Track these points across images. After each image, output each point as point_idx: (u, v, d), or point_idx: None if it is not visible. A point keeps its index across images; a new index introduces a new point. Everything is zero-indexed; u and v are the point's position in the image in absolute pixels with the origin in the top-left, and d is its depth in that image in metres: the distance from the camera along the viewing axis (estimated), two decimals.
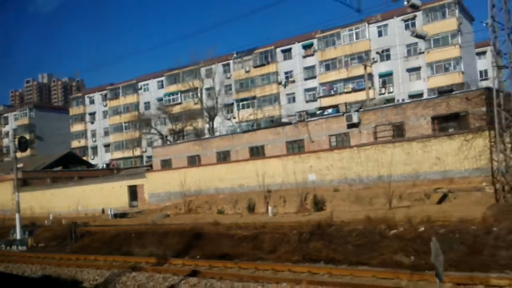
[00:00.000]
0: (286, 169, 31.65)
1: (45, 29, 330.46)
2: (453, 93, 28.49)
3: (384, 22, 61.13)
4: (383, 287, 11.98)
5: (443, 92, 31.01)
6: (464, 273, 12.56)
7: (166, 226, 25.85)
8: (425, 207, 21.58)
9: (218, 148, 37.26)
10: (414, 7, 25.61)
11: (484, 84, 51.25)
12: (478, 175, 22.98)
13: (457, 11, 57.14)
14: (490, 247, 14.06)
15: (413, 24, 59.37)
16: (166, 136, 60.25)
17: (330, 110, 39.36)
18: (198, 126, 65.11)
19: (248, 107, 70.88)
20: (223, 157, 36.47)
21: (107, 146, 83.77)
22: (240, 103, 71.80)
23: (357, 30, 62.84)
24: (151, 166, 46.70)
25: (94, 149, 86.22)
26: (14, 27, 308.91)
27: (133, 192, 41.40)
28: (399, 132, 28.11)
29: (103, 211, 40.73)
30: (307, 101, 67.45)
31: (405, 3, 23.85)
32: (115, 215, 36.05)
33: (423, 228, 15.92)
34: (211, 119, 60.65)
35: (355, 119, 29.57)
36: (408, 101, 34.09)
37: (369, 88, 62.70)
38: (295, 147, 32.69)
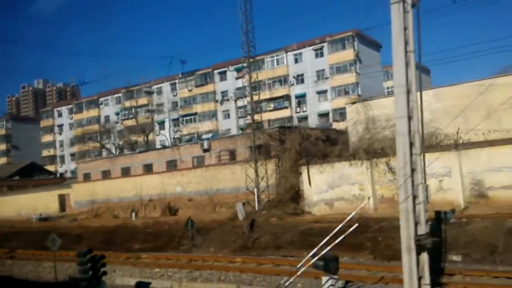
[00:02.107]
0: (163, 183, 41.09)
1: (43, 35, 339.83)
2: (264, 129, 37.97)
3: (299, 51, 70.41)
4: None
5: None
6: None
7: (54, 226, 35.37)
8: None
9: (122, 164, 46.78)
10: None
11: None
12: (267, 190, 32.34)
13: (356, 43, 66.36)
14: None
15: (322, 54, 68.70)
16: (108, 149, 69.68)
17: (210, 135, 48.78)
18: (149, 138, 74.51)
19: (191, 122, 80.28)
20: (125, 172, 45.95)
21: (73, 155, 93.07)
22: (184, 118, 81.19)
23: (278, 57, 72.18)
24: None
25: (62, 158, 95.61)
26: (11, 31, 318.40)
27: (62, 200, 50.83)
28: (233, 157, 37.49)
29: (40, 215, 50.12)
30: (239, 117, 76.63)
31: None
32: (40, 219, 45.39)
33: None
34: (146, 135, 69.88)
35: (206, 146, 39.05)
36: (237, 133, 43.38)
37: (287, 107, 72.64)
38: (172, 166, 42.16)
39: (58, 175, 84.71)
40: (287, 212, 27.79)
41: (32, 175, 72.95)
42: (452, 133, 26.92)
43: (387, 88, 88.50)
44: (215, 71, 79.15)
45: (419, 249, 10.24)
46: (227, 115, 78.13)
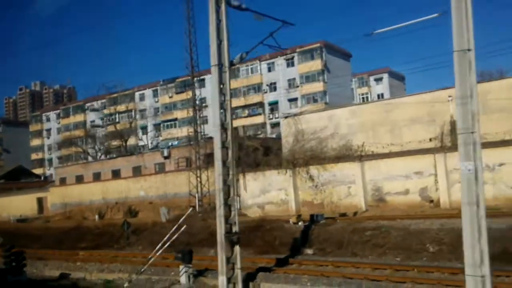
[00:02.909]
0: (128, 187, 45.24)
1: (40, 36, 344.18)
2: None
3: (272, 60, 74.52)
4: None
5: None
6: None
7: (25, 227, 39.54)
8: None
9: (93, 170, 50.99)
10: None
11: None
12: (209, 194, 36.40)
13: (324, 54, 70.49)
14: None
15: (293, 64, 72.89)
16: (90, 154, 73.94)
17: (176, 142, 52.94)
18: (132, 142, 78.75)
19: (172, 127, 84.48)
20: (97, 177, 50.15)
21: (60, 158, 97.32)
22: (165, 124, 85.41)
23: (252, 66, 76.33)
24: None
25: (50, 161, 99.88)
26: (10, 33, 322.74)
27: (41, 203, 55.01)
28: (189, 164, 41.60)
29: (20, 216, 54.31)
30: None
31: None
32: (18, 220, 49.54)
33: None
34: (125, 140, 74.04)
35: (166, 154, 43.22)
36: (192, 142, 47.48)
37: (260, 114, 76.77)
38: (137, 171, 46.33)
39: (43, 178, 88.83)
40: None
41: (19, 178, 77.09)
42: (365, 145, 31.02)
43: (362, 94, 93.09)
44: (195, 78, 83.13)
45: (232, 243, 14.29)
46: (205, 121, 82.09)
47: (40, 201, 55.30)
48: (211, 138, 43.13)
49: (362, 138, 31.26)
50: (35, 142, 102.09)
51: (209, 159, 40.17)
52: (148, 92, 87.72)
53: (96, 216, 41.57)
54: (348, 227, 20.17)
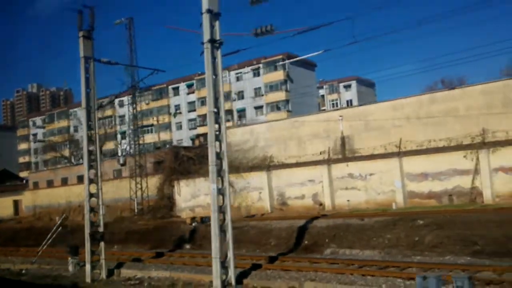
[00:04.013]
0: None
1: (38, 38, 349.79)
2: (162, 149, 47.40)
3: (240, 71, 79.75)
4: None
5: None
6: None
7: None
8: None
9: (62, 175, 56.36)
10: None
11: None
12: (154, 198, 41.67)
13: (286, 65, 75.57)
14: None
15: (258, 74, 78.13)
16: (67, 158, 79.40)
17: None
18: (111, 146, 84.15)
19: (149, 132, 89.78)
20: (65, 181, 55.49)
21: (46, 162, 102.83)
22: (143, 129, 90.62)
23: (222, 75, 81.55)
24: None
25: (36, 164, 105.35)
26: (6, 36, 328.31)
27: (16, 205, 60.40)
28: (142, 170, 46.80)
29: None
30: (190, 129, 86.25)
31: None
32: None
33: None
34: (100, 146, 79.13)
35: (122, 161, 48.52)
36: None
37: (229, 120, 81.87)
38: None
39: (26, 181, 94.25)
40: (157, 216, 37.14)
41: (4, 181, 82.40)
42: (278, 156, 36.25)
43: (332, 100, 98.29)
44: (169, 87, 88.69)
45: (97, 240, 19.45)
46: (179, 127, 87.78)
47: (16, 204, 60.65)
48: (159, 148, 48.61)
49: (276, 150, 36.52)
50: (22, 146, 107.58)
51: (157, 167, 45.61)
52: (127, 100, 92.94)
53: (57, 218, 46.86)
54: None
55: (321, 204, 32.00)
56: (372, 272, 15.00)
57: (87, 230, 19.39)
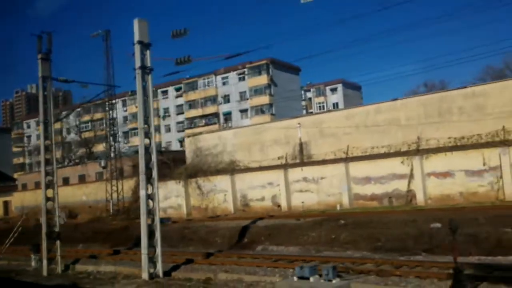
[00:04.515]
0: (74, 193, 53.22)
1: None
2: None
3: (226, 75, 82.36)
4: None
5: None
6: None
7: None
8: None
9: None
10: None
11: None
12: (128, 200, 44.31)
13: (270, 70, 78.25)
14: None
15: (244, 78, 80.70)
16: (58, 160, 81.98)
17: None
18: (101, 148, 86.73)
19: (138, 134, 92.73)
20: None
21: (39, 163, 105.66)
22: (133, 131, 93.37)
23: (209, 79, 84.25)
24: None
25: (30, 165, 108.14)
26: (5, 36, 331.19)
27: (7, 206, 63.14)
28: (121, 173, 49.45)
29: None
30: (178, 131, 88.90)
31: None
32: None
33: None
34: (89, 147, 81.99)
35: (103, 164, 51.15)
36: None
37: (215, 123, 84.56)
38: (82, 179, 54.35)
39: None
40: (130, 217, 39.70)
41: None
42: (243, 160, 38.84)
43: (319, 103, 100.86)
44: (159, 90, 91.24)
45: (53, 239, 22.02)
46: (168, 129, 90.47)
47: (6, 204, 63.39)
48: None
49: (242, 155, 39.14)
50: (17, 147, 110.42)
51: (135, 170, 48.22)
52: (118, 103, 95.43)
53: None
54: (179, 227, 28.09)
55: (279, 206, 34.59)
56: (284, 265, 17.49)
57: (43, 230, 22.00)
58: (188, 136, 44.24)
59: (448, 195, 27.30)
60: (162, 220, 30.93)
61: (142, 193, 17.79)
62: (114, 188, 43.56)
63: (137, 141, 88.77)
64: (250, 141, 39.08)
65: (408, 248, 18.21)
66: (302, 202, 33.00)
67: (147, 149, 18.17)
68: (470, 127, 28.10)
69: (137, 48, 17.52)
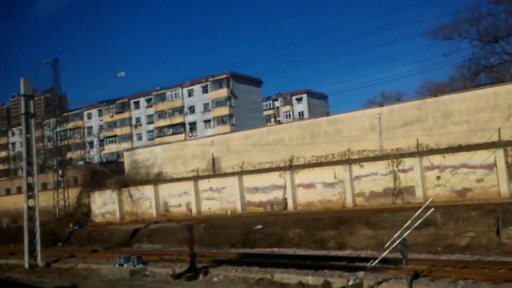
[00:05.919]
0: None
1: (33, 43, 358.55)
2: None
3: (191, 87, 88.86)
4: None
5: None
6: None
7: None
8: None
9: (17, 184, 65.65)
10: None
11: None
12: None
13: (231, 83, 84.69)
14: None
15: (207, 90, 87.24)
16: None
17: (82, 162, 67.38)
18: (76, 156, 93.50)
19: (113, 142, 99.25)
20: (19, 190, 64.68)
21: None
22: (108, 139, 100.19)
23: (176, 91, 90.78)
24: None
25: (15, 171, 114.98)
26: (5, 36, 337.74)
27: None
28: (76, 182, 55.95)
29: None
30: (148, 139, 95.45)
31: None
32: None
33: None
34: (62, 156, 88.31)
35: (60, 173, 57.66)
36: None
37: (182, 132, 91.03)
38: (45, 186, 60.85)
39: None
40: (74, 221, 46.15)
41: None
42: (170, 172, 45.22)
43: (285, 112, 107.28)
44: (131, 101, 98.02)
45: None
46: (140, 137, 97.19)
47: None
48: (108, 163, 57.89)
49: (169, 167, 45.58)
50: (2, 154, 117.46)
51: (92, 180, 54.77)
52: (95, 112, 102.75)
53: (3, 221, 56.15)
54: (91, 230, 34.62)
55: (191, 211, 40.99)
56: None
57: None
58: (126, 150, 50.78)
59: (312, 202, 33.67)
60: (81, 224, 37.60)
61: (25, 206, 24.25)
62: (61, 196, 49.93)
63: (110, 148, 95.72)
64: (175, 155, 45.51)
65: (226, 243, 24.56)
66: (209, 208, 39.39)
67: (29, 172, 24.58)
68: (331, 147, 34.45)
69: (22, 100, 24.00)
